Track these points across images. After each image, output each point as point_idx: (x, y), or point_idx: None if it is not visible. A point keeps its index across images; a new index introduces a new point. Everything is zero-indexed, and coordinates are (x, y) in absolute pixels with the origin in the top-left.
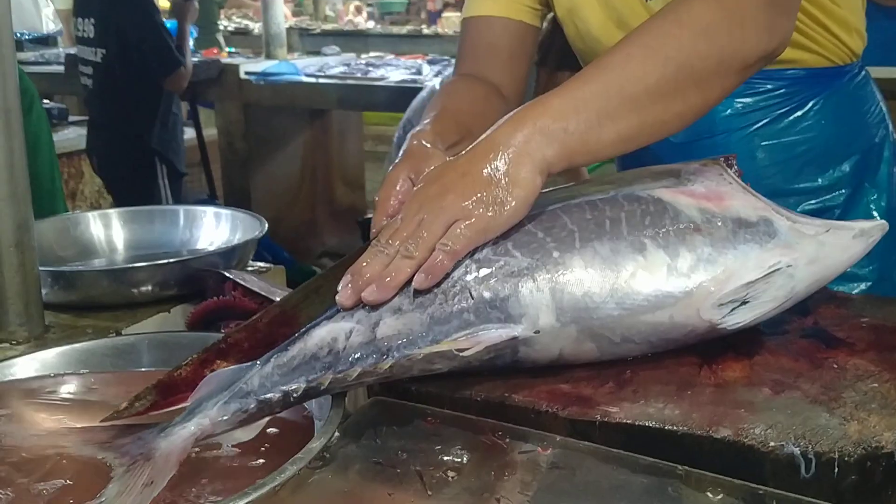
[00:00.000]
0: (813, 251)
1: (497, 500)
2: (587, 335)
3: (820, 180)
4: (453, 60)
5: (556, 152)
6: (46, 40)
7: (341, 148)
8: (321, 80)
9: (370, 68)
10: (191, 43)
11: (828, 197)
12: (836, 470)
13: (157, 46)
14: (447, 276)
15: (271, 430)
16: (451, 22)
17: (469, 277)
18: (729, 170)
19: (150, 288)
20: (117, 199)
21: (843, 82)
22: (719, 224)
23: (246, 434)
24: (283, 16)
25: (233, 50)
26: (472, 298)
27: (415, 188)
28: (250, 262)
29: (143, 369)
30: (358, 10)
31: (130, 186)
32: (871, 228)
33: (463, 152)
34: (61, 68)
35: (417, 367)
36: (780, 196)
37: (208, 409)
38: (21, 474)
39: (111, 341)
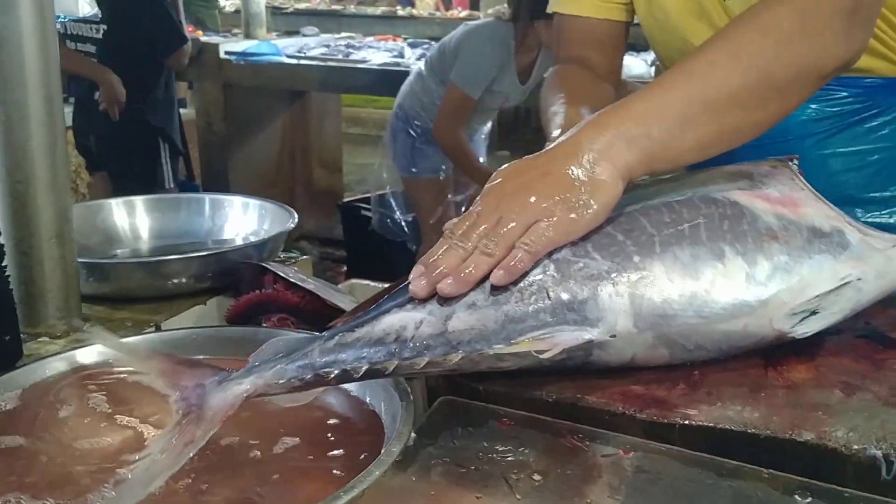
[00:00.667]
0: (882, 265)
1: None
2: (663, 342)
3: (891, 190)
4: (433, 44)
5: (638, 158)
6: None
7: (320, 130)
8: (303, 62)
9: (350, 50)
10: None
11: None
12: None
13: (164, 23)
14: (524, 274)
15: (332, 421)
16: (425, 4)
17: (548, 277)
18: (799, 174)
19: (184, 280)
20: (117, 180)
21: None
22: (795, 232)
23: (296, 400)
24: None
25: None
26: (550, 299)
27: (489, 183)
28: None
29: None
30: None
31: (132, 167)
32: None
33: (542, 151)
34: None
35: (486, 363)
36: (850, 205)
37: (265, 370)
38: None
39: (158, 336)
